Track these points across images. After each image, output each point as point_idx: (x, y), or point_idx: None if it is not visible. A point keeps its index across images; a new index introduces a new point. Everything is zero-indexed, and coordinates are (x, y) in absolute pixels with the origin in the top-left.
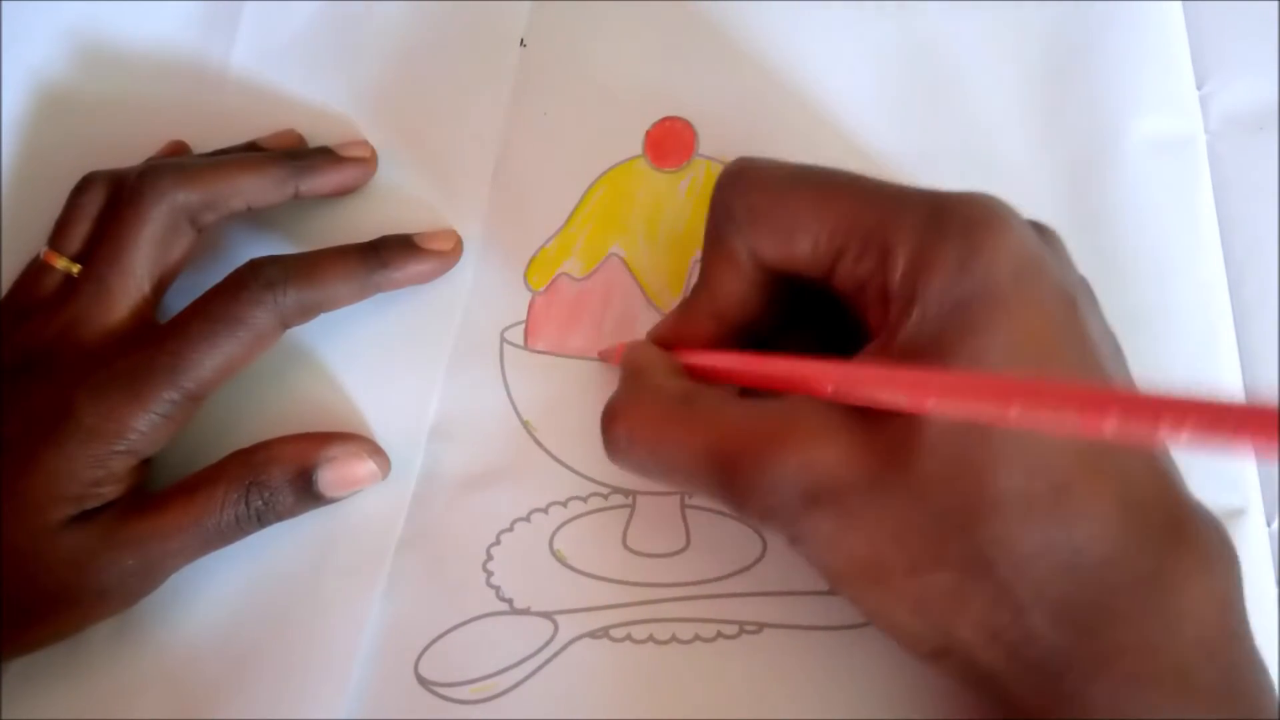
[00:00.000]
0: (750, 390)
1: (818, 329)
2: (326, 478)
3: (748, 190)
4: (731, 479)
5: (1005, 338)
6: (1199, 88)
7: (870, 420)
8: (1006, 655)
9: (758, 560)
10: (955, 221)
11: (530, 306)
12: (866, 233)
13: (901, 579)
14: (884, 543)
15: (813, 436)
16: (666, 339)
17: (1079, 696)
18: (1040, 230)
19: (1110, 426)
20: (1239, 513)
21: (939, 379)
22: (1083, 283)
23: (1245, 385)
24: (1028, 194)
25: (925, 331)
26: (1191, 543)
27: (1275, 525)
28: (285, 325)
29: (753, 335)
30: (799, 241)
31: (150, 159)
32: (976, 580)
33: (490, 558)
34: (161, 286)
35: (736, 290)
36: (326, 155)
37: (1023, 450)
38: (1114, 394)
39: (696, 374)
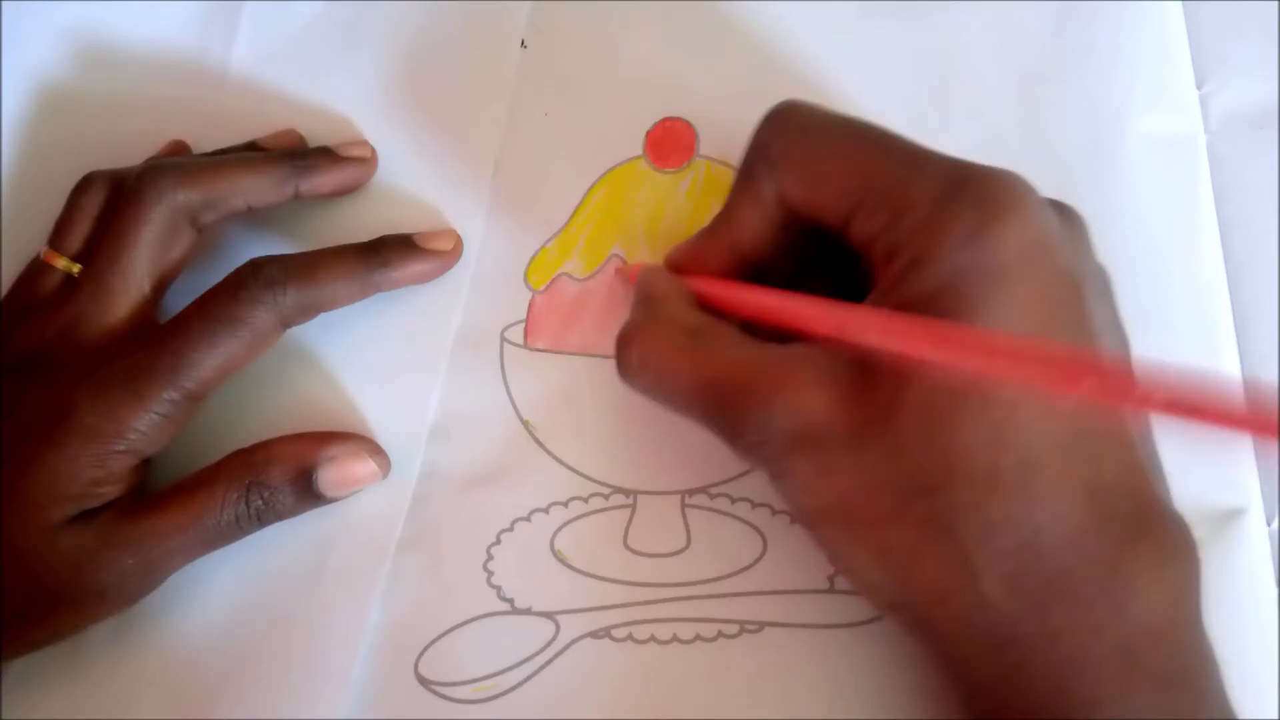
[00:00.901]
0: (757, 333)
1: (828, 287)
2: (327, 477)
3: (785, 131)
4: (727, 413)
5: (1002, 315)
6: (1199, 88)
7: (861, 379)
8: (956, 618)
9: (758, 560)
10: (972, 192)
11: (530, 306)
12: (886, 188)
13: (865, 529)
14: (854, 493)
15: (805, 384)
16: (682, 264)
17: (1023, 667)
18: (1063, 212)
19: (1084, 390)
20: (1239, 513)
21: (933, 329)
22: (1098, 271)
23: (1245, 385)
24: None
25: (923, 294)
26: (1153, 536)
27: (1275, 525)
28: (285, 325)
29: (764, 281)
30: (822, 188)
31: (150, 159)
32: (934, 541)
33: (491, 558)
34: (161, 286)
35: (757, 226)
36: (326, 155)
37: (998, 425)
38: (1090, 362)
39: (707, 303)
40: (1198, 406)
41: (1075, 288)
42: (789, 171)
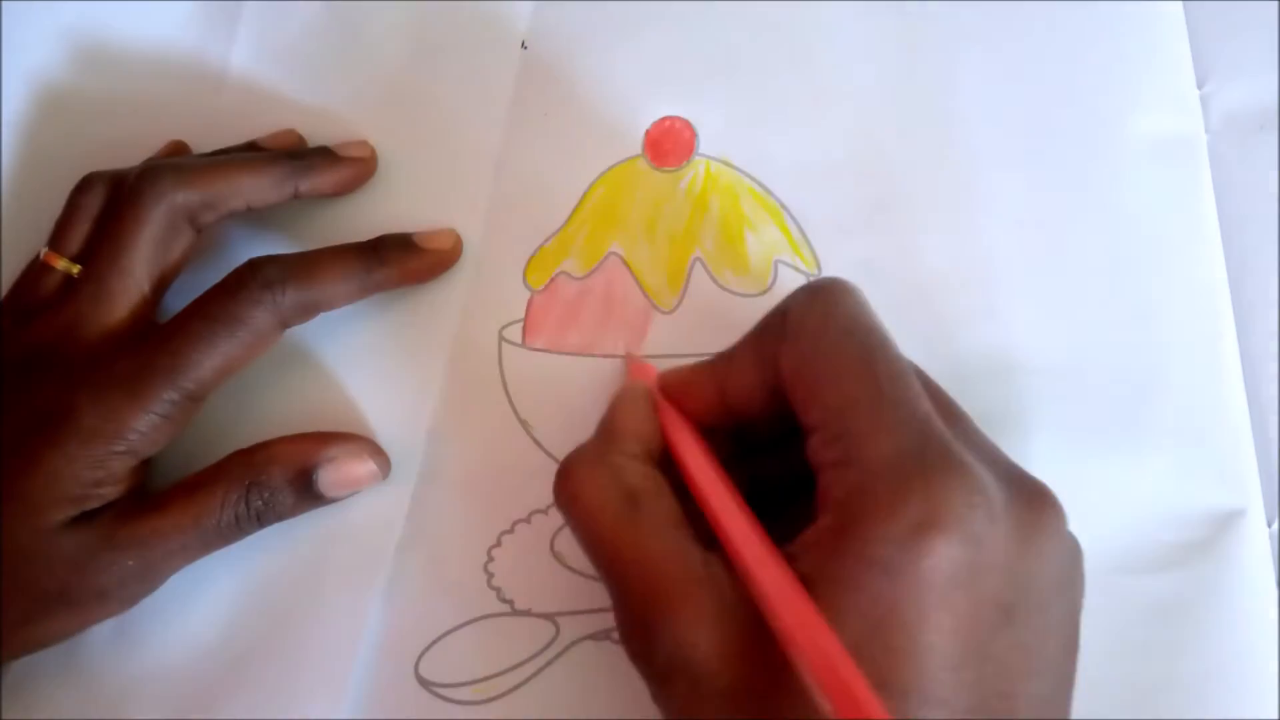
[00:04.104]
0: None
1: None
2: (327, 478)
3: (808, 312)
4: (622, 608)
5: (923, 639)
6: (1199, 88)
7: (761, 628)
8: None
9: None
10: (919, 491)
11: (529, 305)
12: (848, 426)
13: None
14: None
15: (701, 617)
16: (672, 388)
17: None
18: (1030, 510)
19: None
20: (1239, 513)
21: (828, 664)
22: (1055, 576)
23: (1246, 385)
24: (1028, 193)
25: (849, 579)
26: None
27: (1275, 526)
28: (284, 325)
29: (752, 430)
30: (799, 386)
31: (150, 159)
32: None
33: (491, 558)
34: (161, 286)
35: (750, 379)
36: (326, 155)
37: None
38: None
39: (671, 445)
40: None
41: (1005, 614)
42: (791, 352)
